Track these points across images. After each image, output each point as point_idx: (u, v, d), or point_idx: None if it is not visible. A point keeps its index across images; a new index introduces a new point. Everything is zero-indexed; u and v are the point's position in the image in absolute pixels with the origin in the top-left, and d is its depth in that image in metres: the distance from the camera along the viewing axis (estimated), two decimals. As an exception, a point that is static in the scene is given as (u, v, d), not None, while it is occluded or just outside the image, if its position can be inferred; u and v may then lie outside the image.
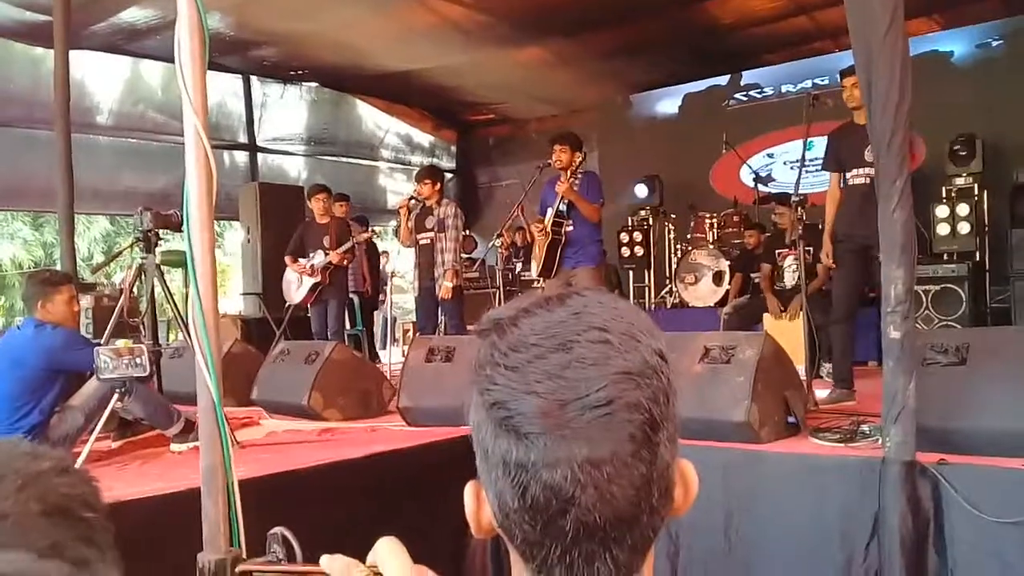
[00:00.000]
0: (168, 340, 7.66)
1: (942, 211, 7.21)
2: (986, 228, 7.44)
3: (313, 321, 7.35)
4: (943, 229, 7.20)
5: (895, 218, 2.95)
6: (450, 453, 3.70)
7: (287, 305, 7.39)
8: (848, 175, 4.95)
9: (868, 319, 5.12)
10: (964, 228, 7.17)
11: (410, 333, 10.07)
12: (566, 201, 5.70)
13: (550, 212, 5.73)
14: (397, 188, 11.64)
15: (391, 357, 7.56)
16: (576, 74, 10.00)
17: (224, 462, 1.88)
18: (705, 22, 8.72)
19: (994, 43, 8.17)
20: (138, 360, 3.68)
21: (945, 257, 7.03)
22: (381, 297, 12.52)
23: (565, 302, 0.67)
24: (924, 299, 6.47)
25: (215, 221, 2.07)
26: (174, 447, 4.14)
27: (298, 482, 3.32)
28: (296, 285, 7.23)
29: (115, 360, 3.68)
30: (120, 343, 4.28)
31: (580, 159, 5.84)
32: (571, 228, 5.74)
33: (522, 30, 8.65)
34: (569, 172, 5.71)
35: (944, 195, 7.35)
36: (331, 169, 10.85)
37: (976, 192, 7.33)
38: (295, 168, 10.80)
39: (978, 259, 7.18)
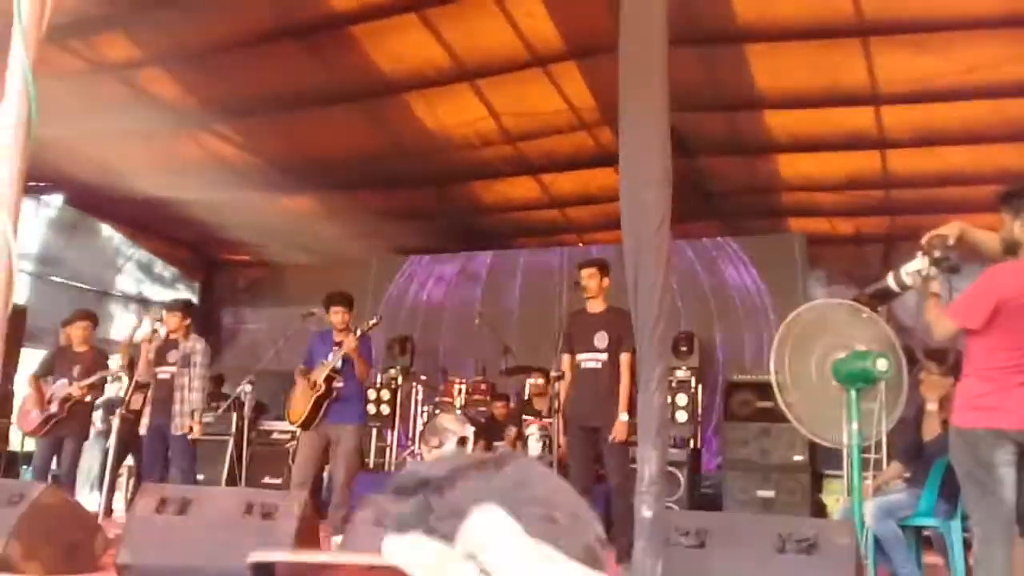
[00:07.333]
0: None
1: (662, 399, 7.94)
2: (699, 418, 8.21)
3: (36, 455, 6.56)
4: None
5: (653, 402, 3.21)
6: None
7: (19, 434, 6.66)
8: (579, 358, 5.34)
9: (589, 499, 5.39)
10: (682, 417, 7.87)
11: (123, 477, 9.08)
12: (341, 357, 5.71)
13: (322, 366, 5.70)
14: (127, 319, 10.82)
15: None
16: (343, 229, 10.08)
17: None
18: (469, 200, 9.27)
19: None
20: None
21: (666, 442, 7.68)
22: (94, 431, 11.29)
23: (502, 468, 0.65)
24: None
25: None
26: None
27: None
28: (32, 412, 6.50)
29: None
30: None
31: (371, 322, 5.96)
32: (341, 384, 5.72)
33: (292, 178, 8.65)
34: (359, 331, 5.78)
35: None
36: (57, 292, 9.86)
37: (693, 385, 8.14)
38: (18, 287, 9.73)
39: (693, 446, 7.86)
